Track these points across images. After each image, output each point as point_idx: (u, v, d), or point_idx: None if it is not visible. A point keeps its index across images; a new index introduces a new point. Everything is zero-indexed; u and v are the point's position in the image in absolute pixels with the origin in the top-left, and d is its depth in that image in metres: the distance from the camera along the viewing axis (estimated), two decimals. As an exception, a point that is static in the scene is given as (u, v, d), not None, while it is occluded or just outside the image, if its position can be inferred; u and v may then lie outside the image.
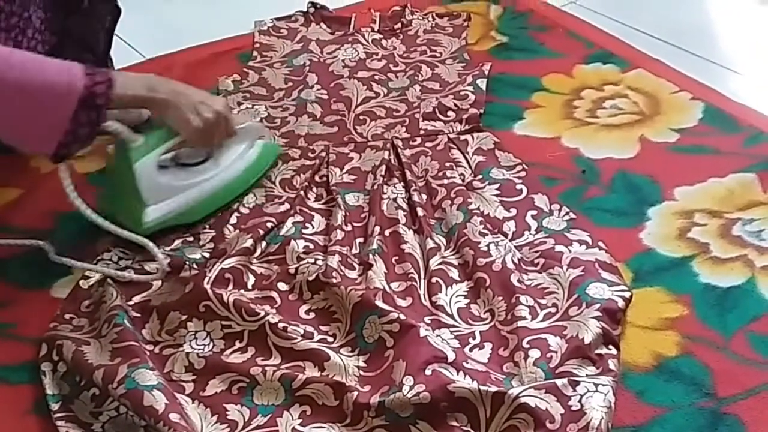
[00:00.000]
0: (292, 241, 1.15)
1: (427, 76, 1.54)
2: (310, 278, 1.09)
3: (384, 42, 1.65)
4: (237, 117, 1.27)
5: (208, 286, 1.06)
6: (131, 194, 1.14)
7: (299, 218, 1.20)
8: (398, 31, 1.68)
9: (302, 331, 1.03)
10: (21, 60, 1.02)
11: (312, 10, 1.75)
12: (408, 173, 1.27)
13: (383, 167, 1.28)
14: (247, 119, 1.37)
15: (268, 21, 1.73)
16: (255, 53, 1.62)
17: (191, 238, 1.19)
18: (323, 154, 1.34)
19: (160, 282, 1.11)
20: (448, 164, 1.29)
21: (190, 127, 1.14)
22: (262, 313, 1.04)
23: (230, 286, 1.08)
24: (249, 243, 1.14)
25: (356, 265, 1.12)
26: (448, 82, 1.51)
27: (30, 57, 1.05)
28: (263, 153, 1.29)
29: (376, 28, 1.69)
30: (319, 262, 1.12)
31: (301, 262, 1.12)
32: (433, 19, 1.72)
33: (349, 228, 1.18)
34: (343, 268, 1.11)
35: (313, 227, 1.19)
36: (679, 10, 1.75)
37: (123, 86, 1.07)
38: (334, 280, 1.08)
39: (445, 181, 1.25)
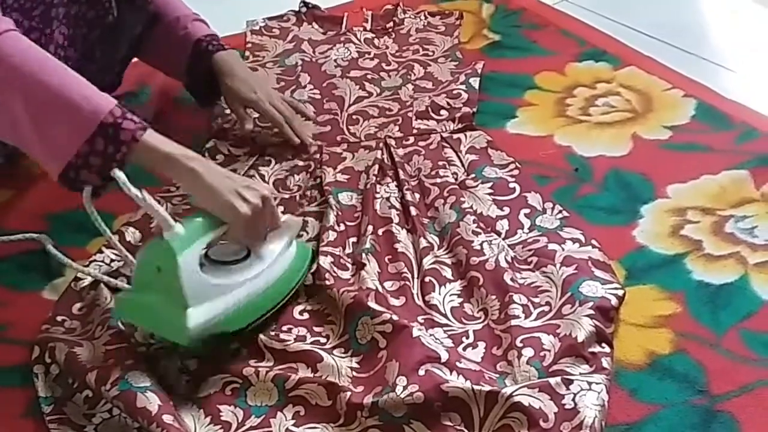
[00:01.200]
0: None
1: (419, 75, 1.53)
2: (306, 283, 1.09)
3: (376, 41, 1.65)
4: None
5: None
6: (170, 294, 0.95)
7: None
8: (390, 29, 1.68)
9: (294, 336, 1.03)
10: (59, 69, 0.98)
11: (304, 9, 1.75)
12: (401, 172, 1.27)
13: (376, 167, 1.28)
14: (284, 214, 1.15)
15: (260, 20, 1.72)
16: (247, 53, 1.62)
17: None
18: (317, 154, 1.34)
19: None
20: (441, 163, 1.29)
21: (237, 215, 0.98)
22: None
23: None
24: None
25: (349, 266, 1.12)
26: (441, 80, 1.51)
27: (70, 72, 0.99)
28: (300, 252, 1.11)
29: (368, 27, 1.69)
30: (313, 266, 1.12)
31: None
32: (425, 17, 1.72)
33: (342, 228, 1.18)
34: (335, 269, 1.10)
35: (308, 233, 1.19)
36: (671, 8, 1.75)
37: (156, 139, 0.98)
38: (327, 282, 1.08)
39: (438, 180, 1.25)
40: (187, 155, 1.00)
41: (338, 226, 1.18)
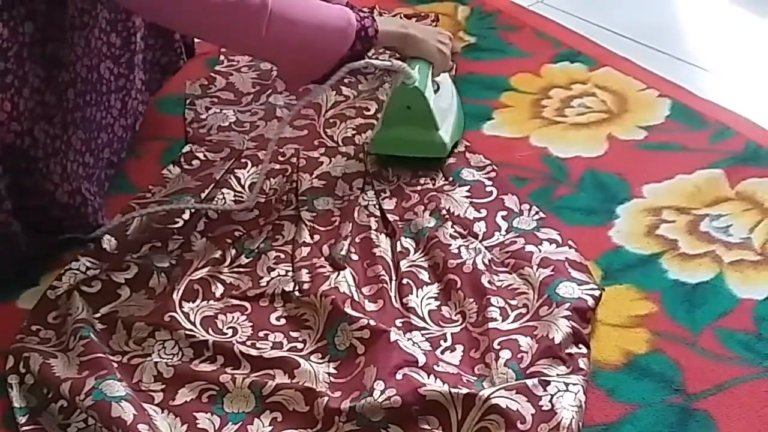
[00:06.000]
0: (263, 256, 1.15)
1: (396, 77, 1.53)
2: (284, 288, 1.09)
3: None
4: None
5: (176, 299, 1.06)
6: (424, 124, 1.26)
7: (269, 227, 1.20)
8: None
9: (271, 344, 1.03)
10: (300, 4, 1.15)
11: (280, 13, 1.74)
12: (379, 179, 1.27)
13: (360, 180, 1.28)
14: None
15: (236, 25, 1.71)
16: (222, 57, 1.61)
17: (159, 244, 1.18)
18: (293, 159, 1.34)
19: (128, 293, 1.10)
20: (420, 172, 1.29)
21: (442, 56, 1.30)
22: (230, 333, 1.04)
23: (199, 299, 1.08)
24: (218, 254, 1.14)
25: (326, 272, 1.12)
26: (418, 83, 1.51)
27: (308, 3, 1.17)
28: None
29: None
30: (290, 274, 1.12)
31: (272, 273, 1.12)
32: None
33: (317, 238, 1.18)
34: (310, 278, 1.10)
35: (284, 237, 1.19)
36: (646, 8, 1.76)
37: (383, 20, 1.22)
38: (305, 286, 1.08)
39: (419, 188, 1.26)
40: (403, 24, 1.29)
41: (311, 238, 1.18)
